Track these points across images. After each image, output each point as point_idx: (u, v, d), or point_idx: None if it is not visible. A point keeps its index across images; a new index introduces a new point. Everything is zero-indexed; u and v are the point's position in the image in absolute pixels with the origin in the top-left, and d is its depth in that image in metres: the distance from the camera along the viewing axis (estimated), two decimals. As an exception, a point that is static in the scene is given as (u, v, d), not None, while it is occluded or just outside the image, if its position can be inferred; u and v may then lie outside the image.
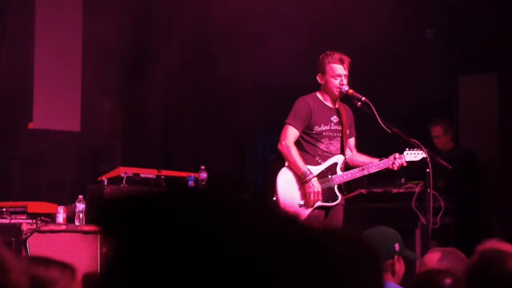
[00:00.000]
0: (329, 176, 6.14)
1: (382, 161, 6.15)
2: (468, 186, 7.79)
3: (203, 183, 6.97)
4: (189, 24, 8.51)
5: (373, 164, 6.16)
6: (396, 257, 3.75)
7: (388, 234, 3.85)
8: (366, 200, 7.31)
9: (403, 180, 7.21)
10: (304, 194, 6.06)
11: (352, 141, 6.36)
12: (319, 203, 6.09)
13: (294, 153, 6.10)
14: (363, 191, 7.31)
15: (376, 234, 3.82)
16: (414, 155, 6.13)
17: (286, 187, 6.12)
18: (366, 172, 6.18)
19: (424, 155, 6.06)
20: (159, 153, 8.43)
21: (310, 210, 6.06)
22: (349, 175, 6.18)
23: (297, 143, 6.19)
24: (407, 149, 6.14)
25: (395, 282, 3.77)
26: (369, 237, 3.89)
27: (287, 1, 8.32)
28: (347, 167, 6.24)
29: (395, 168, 6.14)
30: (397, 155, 6.14)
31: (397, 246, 3.78)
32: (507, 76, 8.27)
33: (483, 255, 2.86)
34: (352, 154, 6.32)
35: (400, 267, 3.78)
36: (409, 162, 6.13)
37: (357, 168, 6.19)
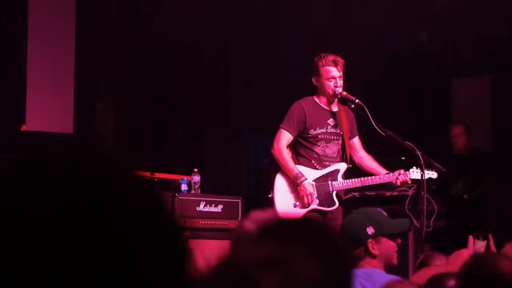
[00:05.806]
0: (329, 182, 6.14)
1: (387, 175, 6.15)
2: (480, 189, 7.92)
3: (197, 185, 6.96)
4: (183, 27, 8.50)
5: (377, 178, 6.16)
6: (370, 240, 3.58)
7: (357, 220, 3.64)
8: (359, 203, 7.29)
9: (396, 183, 7.21)
10: (298, 197, 6.09)
11: (356, 141, 6.32)
12: (314, 206, 6.08)
13: (286, 156, 6.10)
14: (356, 193, 7.30)
15: (346, 224, 3.70)
16: (419, 174, 6.10)
17: (282, 188, 6.14)
18: (367, 183, 6.18)
19: (433, 176, 6.10)
20: (152, 155, 8.40)
21: (305, 211, 6.06)
22: (349, 183, 6.18)
23: (293, 146, 6.19)
24: (413, 167, 6.15)
25: (382, 263, 3.60)
26: (341, 229, 3.80)
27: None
28: (355, 167, 6.25)
29: (398, 183, 6.16)
30: (402, 171, 6.15)
31: (370, 230, 3.58)
32: (500, 78, 8.28)
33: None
34: (362, 156, 6.30)
35: (380, 248, 3.59)
36: (413, 180, 6.15)
37: (358, 179, 6.17)
